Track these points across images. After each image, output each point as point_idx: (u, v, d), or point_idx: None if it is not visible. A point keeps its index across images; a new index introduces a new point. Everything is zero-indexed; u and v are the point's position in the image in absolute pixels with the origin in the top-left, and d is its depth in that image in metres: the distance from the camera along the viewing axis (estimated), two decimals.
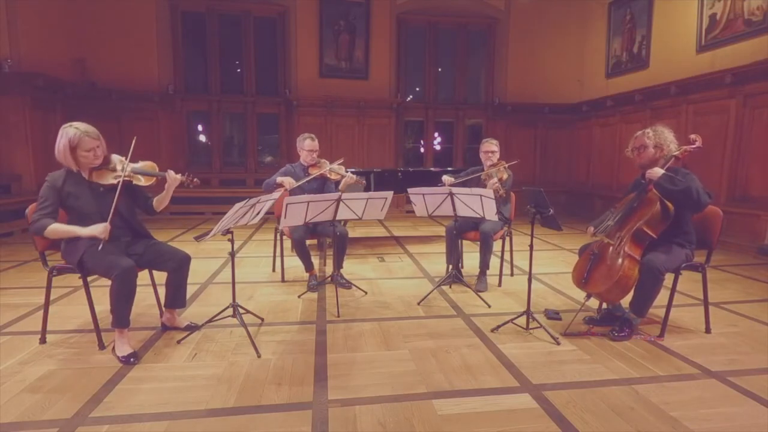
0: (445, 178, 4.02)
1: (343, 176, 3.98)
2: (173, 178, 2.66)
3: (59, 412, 1.96)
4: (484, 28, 9.35)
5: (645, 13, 7.62)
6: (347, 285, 3.81)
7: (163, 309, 2.89)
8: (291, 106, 8.73)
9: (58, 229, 2.44)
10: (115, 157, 2.65)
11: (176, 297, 2.80)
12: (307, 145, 3.99)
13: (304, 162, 4.02)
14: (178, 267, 2.74)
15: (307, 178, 3.86)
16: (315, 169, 3.97)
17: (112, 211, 2.43)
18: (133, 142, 2.60)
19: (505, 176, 3.83)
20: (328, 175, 3.98)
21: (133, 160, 2.63)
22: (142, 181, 2.63)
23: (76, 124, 2.49)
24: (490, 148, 4.01)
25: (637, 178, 3.00)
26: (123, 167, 2.55)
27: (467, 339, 2.81)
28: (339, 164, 3.98)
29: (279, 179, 3.80)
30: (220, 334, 2.82)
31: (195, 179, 2.70)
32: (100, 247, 2.39)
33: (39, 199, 2.45)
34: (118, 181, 2.51)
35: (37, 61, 6.69)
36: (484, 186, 3.77)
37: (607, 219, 2.91)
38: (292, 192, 3.81)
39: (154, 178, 2.66)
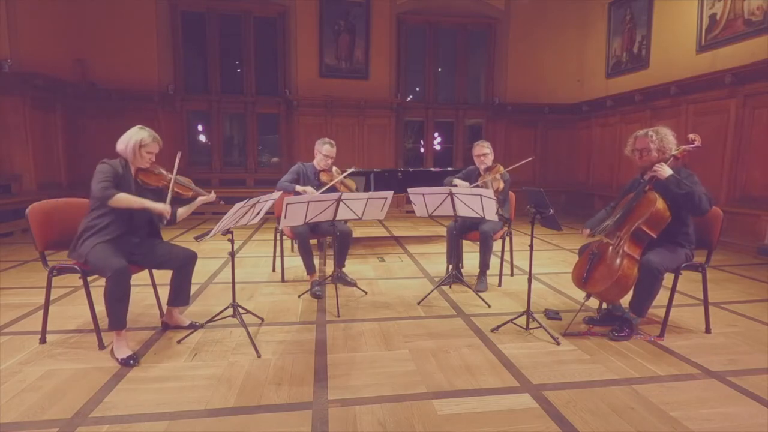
0: (452, 180, 4.00)
1: (351, 191, 3.99)
2: (209, 198, 2.83)
3: (59, 412, 1.96)
4: (484, 28, 9.35)
5: (645, 13, 7.62)
6: (352, 282, 3.81)
7: (166, 307, 2.89)
8: (291, 106, 8.72)
9: (123, 198, 2.52)
10: (160, 168, 2.82)
11: (180, 294, 2.81)
12: (325, 150, 4.00)
13: (317, 165, 4.04)
14: (183, 264, 2.77)
15: (324, 189, 3.84)
16: (326, 175, 3.98)
17: (170, 195, 2.68)
18: (178, 156, 2.80)
19: (501, 185, 3.76)
20: (338, 187, 3.95)
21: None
22: (180, 193, 2.77)
23: (148, 129, 2.72)
24: (482, 151, 3.92)
25: (636, 178, 2.99)
26: (169, 175, 2.74)
27: (467, 339, 2.81)
28: (348, 174, 4.00)
29: (300, 188, 3.80)
30: (220, 334, 2.82)
31: (222, 201, 2.93)
32: (163, 222, 2.71)
33: (99, 174, 2.54)
34: (164, 185, 2.73)
35: (37, 61, 6.69)
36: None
37: (604, 218, 2.92)
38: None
39: (191, 192, 2.81)
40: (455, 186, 3.85)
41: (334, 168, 4.08)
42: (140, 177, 2.69)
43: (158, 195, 2.79)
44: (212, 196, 2.85)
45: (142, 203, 2.58)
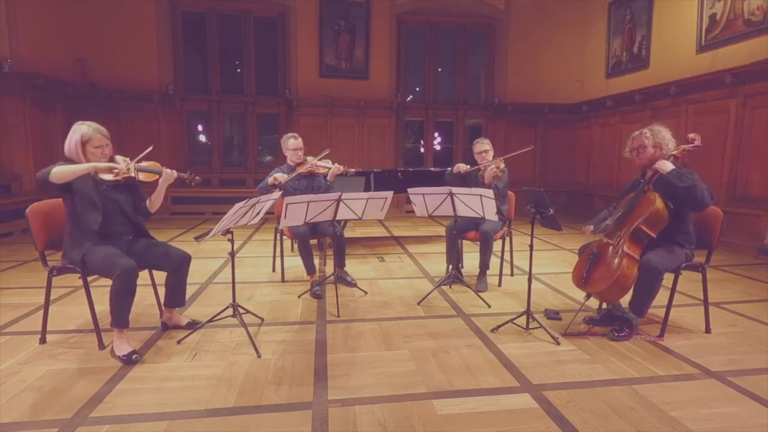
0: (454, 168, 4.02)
1: (329, 168, 4.01)
2: (167, 173, 2.69)
3: (59, 412, 1.96)
4: (484, 28, 9.35)
5: (645, 13, 7.61)
6: (352, 282, 3.81)
7: (163, 308, 2.89)
8: (291, 106, 8.73)
9: (62, 169, 2.37)
10: (119, 158, 2.69)
11: (176, 296, 2.80)
12: (291, 144, 4.02)
13: (291, 162, 4.05)
14: (178, 266, 2.75)
15: (295, 173, 3.89)
16: (303, 167, 3.99)
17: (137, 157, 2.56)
18: (149, 148, 2.67)
19: (502, 165, 3.80)
20: (316, 171, 4.02)
21: (140, 162, 2.69)
22: (142, 177, 2.67)
23: (88, 122, 2.57)
24: (483, 147, 3.97)
25: (636, 178, 3.00)
26: (127, 165, 2.60)
27: (467, 339, 2.81)
28: (323, 157, 4.00)
29: (271, 179, 3.82)
30: (220, 334, 2.82)
31: (197, 177, 2.79)
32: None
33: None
34: (122, 177, 2.56)
35: (37, 61, 6.68)
36: (484, 180, 3.77)
37: (605, 218, 2.92)
38: (285, 189, 3.83)
39: (156, 176, 2.70)
40: (458, 171, 3.94)
41: (308, 157, 4.07)
42: (98, 174, 2.52)
43: (128, 192, 2.69)
44: (167, 170, 2.68)
45: (86, 167, 2.40)
